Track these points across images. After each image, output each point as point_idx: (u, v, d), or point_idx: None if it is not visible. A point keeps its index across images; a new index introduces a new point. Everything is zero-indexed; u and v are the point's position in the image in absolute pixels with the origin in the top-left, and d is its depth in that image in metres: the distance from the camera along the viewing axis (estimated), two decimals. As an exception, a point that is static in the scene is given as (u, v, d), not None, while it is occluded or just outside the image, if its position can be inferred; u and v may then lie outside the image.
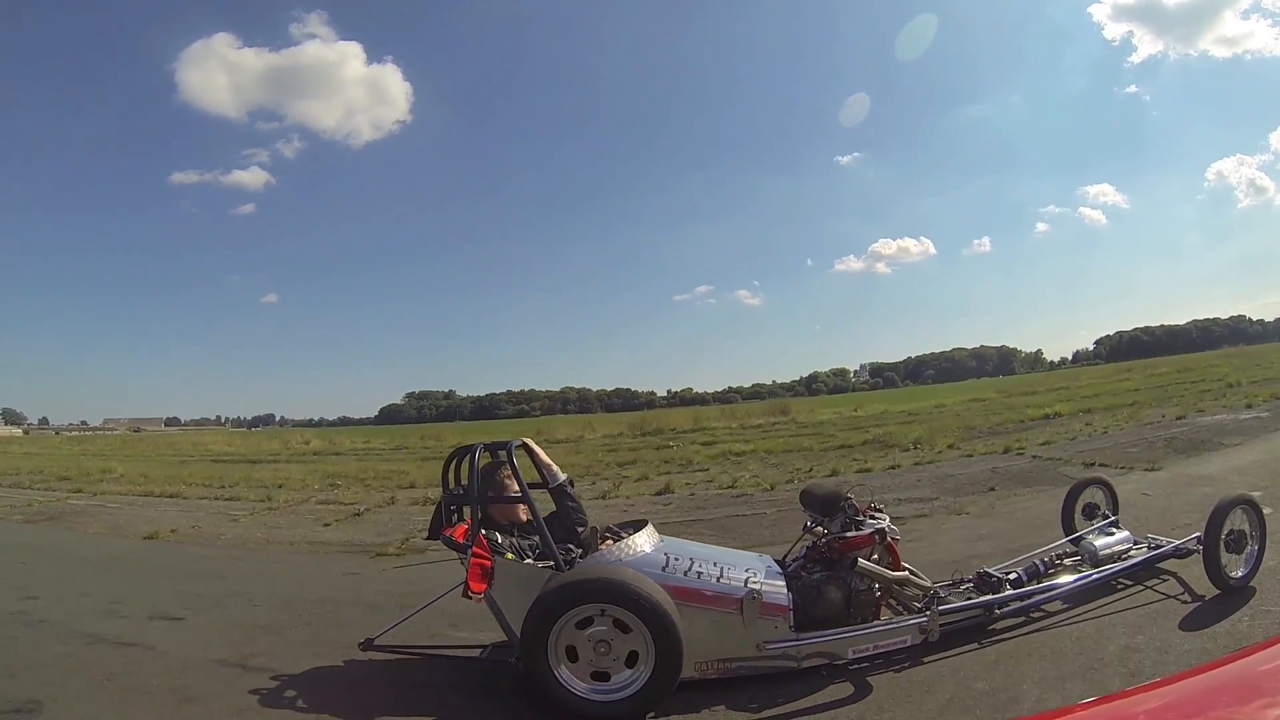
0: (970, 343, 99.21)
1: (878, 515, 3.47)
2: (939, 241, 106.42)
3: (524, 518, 3.44)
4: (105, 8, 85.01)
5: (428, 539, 3.62)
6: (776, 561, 3.51)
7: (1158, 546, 3.82)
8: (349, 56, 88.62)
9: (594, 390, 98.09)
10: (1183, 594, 3.64)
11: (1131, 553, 3.81)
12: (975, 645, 3.34)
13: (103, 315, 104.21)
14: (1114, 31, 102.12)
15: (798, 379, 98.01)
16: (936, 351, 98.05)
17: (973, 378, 75.57)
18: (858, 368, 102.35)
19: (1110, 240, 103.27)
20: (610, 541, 3.36)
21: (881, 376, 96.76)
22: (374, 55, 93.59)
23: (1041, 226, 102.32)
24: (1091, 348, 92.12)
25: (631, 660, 2.94)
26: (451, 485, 3.60)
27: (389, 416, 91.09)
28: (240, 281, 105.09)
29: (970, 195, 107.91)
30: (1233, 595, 3.51)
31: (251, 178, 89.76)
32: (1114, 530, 3.95)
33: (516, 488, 3.33)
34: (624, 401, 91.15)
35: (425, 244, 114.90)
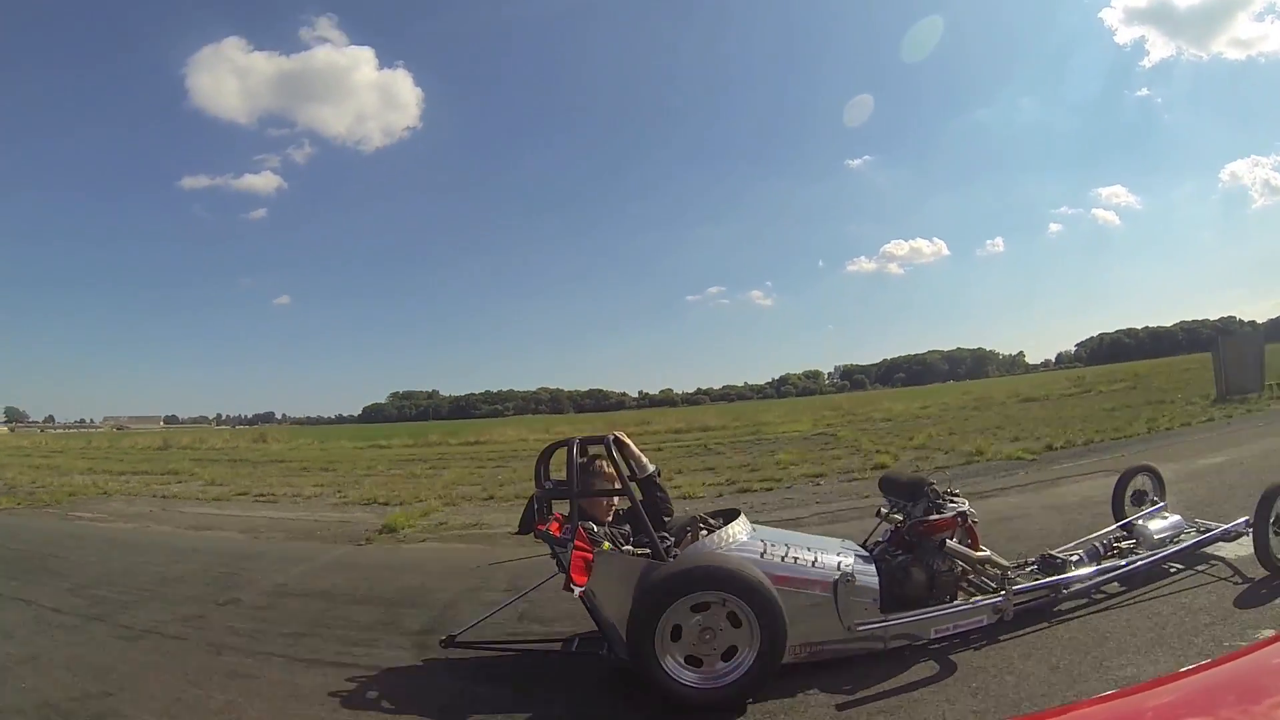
0: (968, 344, 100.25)
1: (956, 499, 3.57)
2: (952, 242, 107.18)
3: (610, 516, 3.47)
4: (113, 13, 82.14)
5: (517, 534, 3.59)
6: (859, 546, 3.59)
7: (1208, 530, 3.99)
8: (360, 62, 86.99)
9: (566, 391, 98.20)
10: (1233, 576, 3.82)
11: (1183, 536, 3.98)
12: (1044, 624, 3.47)
13: (113, 316, 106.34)
14: (1126, 35, 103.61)
15: (768, 381, 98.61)
16: (910, 354, 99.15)
17: (939, 381, 76.43)
18: (831, 370, 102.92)
19: (1123, 240, 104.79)
20: (705, 531, 3.40)
21: (850, 379, 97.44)
22: (385, 61, 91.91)
23: (1055, 227, 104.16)
24: (1074, 350, 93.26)
25: (733, 650, 2.99)
26: (544, 480, 3.59)
27: (372, 415, 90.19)
28: (252, 284, 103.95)
29: (984, 196, 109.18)
30: (1281, 576, 3.71)
31: (263, 182, 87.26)
32: (1166, 515, 4.12)
33: (610, 481, 3.39)
34: (596, 402, 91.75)
35: (435, 248, 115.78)
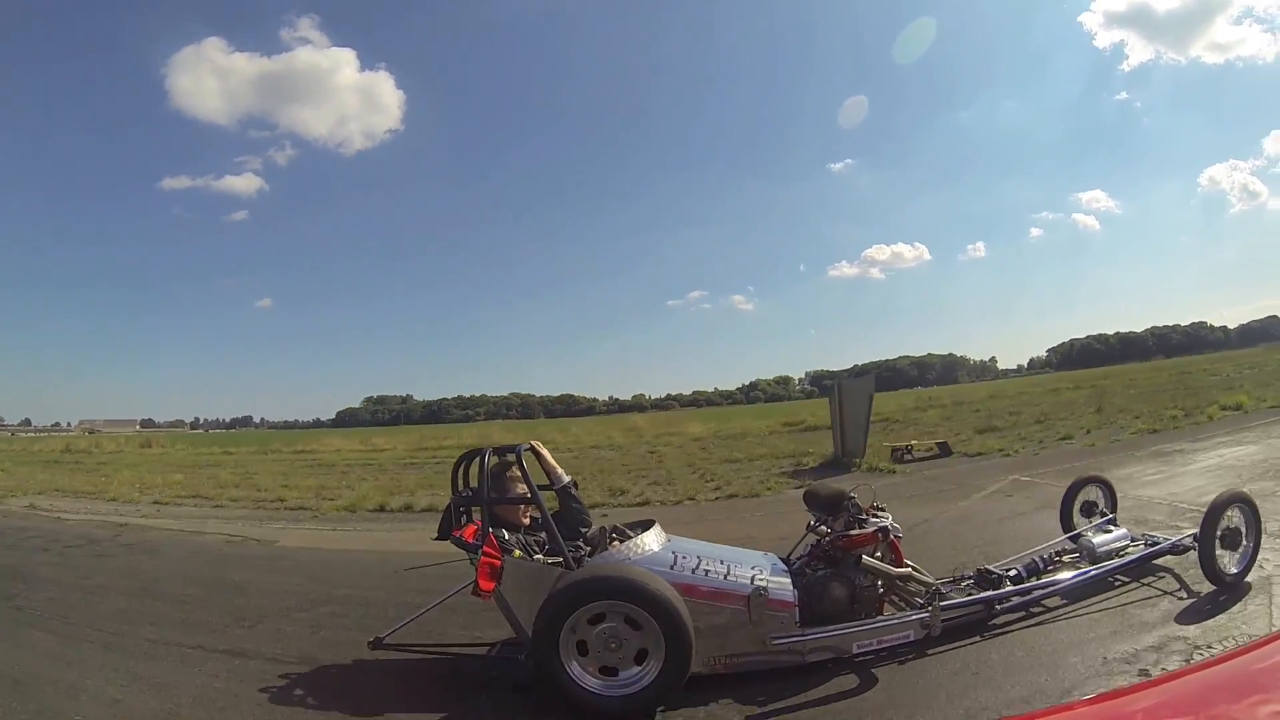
0: (944, 349, 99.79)
1: (880, 514, 3.56)
2: (934, 247, 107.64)
3: (527, 520, 3.53)
4: (93, 12, 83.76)
5: (436, 540, 3.68)
6: (781, 559, 3.59)
7: (1155, 543, 3.90)
8: (341, 63, 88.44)
9: (537, 396, 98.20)
10: (1179, 590, 3.72)
11: (1129, 549, 3.89)
12: (977, 639, 3.42)
13: (94, 319, 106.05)
14: (1105, 39, 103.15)
15: (737, 387, 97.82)
16: (881, 359, 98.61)
17: (907, 387, 76.02)
18: (801, 375, 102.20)
19: (1102, 245, 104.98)
20: (618, 541, 3.45)
21: (819, 385, 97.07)
22: (367, 63, 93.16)
23: (1035, 231, 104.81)
24: (1045, 355, 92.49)
25: (640, 657, 3.00)
26: (460, 488, 3.67)
27: (345, 420, 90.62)
28: (234, 286, 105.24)
29: (965, 201, 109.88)
30: (1228, 591, 3.60)
31: (244, 183, 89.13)
32: (1111, 527, 4.03)
33: (524, 489, 3.43)
34: (566, 407, 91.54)
35: (415, 251, 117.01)
